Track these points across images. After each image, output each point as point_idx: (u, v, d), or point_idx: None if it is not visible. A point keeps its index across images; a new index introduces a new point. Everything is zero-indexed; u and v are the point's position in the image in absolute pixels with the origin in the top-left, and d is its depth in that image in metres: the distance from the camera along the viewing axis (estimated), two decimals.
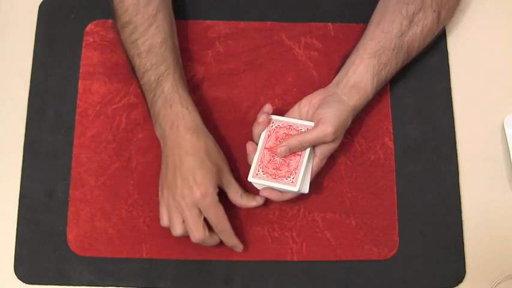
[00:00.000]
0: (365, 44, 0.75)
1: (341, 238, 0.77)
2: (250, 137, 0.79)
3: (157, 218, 0.76)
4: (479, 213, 0.78)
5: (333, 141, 0.72)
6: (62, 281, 0.75)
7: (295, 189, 0.70)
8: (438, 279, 0.76)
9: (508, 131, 0.80)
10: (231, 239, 0.73)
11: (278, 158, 0.72)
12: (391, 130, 0.81)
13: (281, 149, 0.71)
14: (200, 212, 0.70)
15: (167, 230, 0.76)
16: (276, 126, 0.74)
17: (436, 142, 0.80)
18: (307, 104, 0.75)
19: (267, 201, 0.77)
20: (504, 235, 0.78)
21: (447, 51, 0.84)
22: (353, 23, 0.83)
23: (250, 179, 0.72)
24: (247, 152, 0.74)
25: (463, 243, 0.77)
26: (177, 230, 0.71)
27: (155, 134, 0.75)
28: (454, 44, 0.85)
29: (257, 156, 0.73)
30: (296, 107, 0.75)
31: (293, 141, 0.71)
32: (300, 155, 0.72)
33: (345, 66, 0.76)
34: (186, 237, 0.75)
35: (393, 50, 0.75)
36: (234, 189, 0.74)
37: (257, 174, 0.72)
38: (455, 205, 0.78)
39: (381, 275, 0.76)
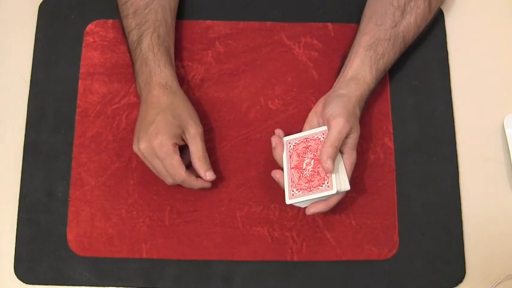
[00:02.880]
0: (359, 40, 0.76)
1: (341, 238, 0.77)
2: (250, 137, 0.79)
3: (157, 218, 0.77)
4: (479, 213, 0.78)
5: (350, 131, 0.71)
6: (61, 281, 0.75)
7: (334, 191, 0.69)
8: (438, 279, 0.76)
9: (508, 131, 0.80)
10: (192, 184, 0.74)
11: (307, 172, 0.72)
12: (391, 130, 0.81)
13: (326, 165, 0.69)
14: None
15: (167, 230, 0.76)
16: (293, 145, 0.74)
17: (436, 142, 0.80)
18: (313, 115, 0.76)
19: (268, 200, 0.77)
20: (504, 235, 0.78)
21: (447, 51, 0.84)
22: (353, 23, 0.83)
23: (288, 201, 0.72)
24: (276, 180, 0.74)
25: (463, 243, 0.77)
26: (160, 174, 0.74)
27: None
28: (454, 44, 0.84)
29: (287, 179, 0.73)
30: (306, 125, 0.76)
31: (328, 150, 0.69)
32: None
33: (342, 67, 0.77)
34: (186, 238, 0.76)
35: (389, 40, 0.75)
36: (195, 147, 0.74)
37: (293, 195, 0.72)
38: (455, 205, 0.78)
39: (381, 275, 0.76)
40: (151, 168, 0.74)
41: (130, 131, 0.80)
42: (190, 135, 0.74)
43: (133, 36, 0.77)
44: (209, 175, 0.74)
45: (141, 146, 0.72)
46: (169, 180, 0.73)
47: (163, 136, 0.71)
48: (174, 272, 0.75)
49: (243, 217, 0.77)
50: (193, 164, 0.74)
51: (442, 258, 0.76)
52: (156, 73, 0.75)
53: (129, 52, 0.78)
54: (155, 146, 0.71)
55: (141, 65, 0.75)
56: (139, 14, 0.77)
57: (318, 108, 0.76)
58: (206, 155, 0.74)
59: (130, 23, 0.77)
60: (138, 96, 0.77)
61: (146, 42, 0.76)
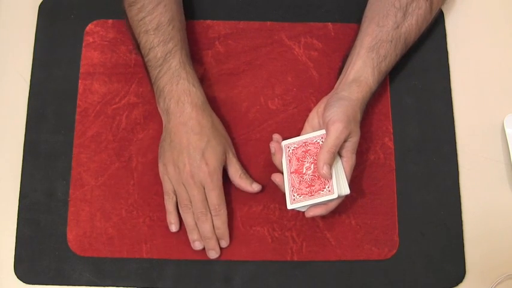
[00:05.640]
0: (361, 41, 0.76)
1: (341, 238, 0.77)
2: (250, 137, 0.79)
3: (157, 218, 0.77)
4: (479, 213, 0.78)
5: (350, 135, 0.71)
6: (61, 281, 0.75)
7: (335, 195, 0.70)
8: (438, 279, 0.76)
9: (508, 131, 0.80)
10: (223, 225, 0.74)
11: (307, 177, 0.72)
12: (391, 130, 0.81)
13: (323, 171, 0.69)
14: (205, 190, 0.73)
15: (167, 230, 0.76)
16: (292, 149, 0.74)
17: (436, 142, 0.80)
18: (315, 115, 0.76)
19: (268, 200, 0.77)
20: (504, 235, 0.78)
21: (447, 51, 0.84)
22: (353, 23, 0.83)
23: (290, 207, 0.72)
24: (277, 184, 0.75)
25: (463, 243, 0.77)
26: (184, 206, 0.74)
27: (157, 110, 0.77)
28: (454, 44, 0.84)
29: (287, 184, 0.73)
30: (306, 124, 0.76)
31: (325, 155, 0.70)
32: None
33: (344, 67, 0.77)
34: (186, 238, 0.76)
35: (391, 41, 0.75)
36: (234, 168, 0.75)
37: (294, 200, 0.72)
38: (455, 205, 0.78)
39: (381, 275, 0.76)
40: (184, 197, 0.73)
41: (130, 131, 0.80)
42: (229, 158, 0.75)
43: (156, 53, 0.74)
44: (255, 187, 0.76)
45: (186, 175, 0.72)
46: (204, 209, 0.73)
47: (214, 165, 0.72)
48: (174, 272, 0.75)
49: (243, 217, 0.77)
50: (235, 183, 0.76)
51: (442, 258, 0.76)
52: (192, 93, 0.74)
53: (147, 68, 0.77)
54: (206, 174, 0.72)
55: (170, 83, 0.74)
56: (163, 30, 0.74)
57: (319, 108, 0.76)
58: (244, 170, 0.76)
59: (151, 39, 0.74)
60: (138, 99, 0.77)
61: (177, 60, 0.74)
